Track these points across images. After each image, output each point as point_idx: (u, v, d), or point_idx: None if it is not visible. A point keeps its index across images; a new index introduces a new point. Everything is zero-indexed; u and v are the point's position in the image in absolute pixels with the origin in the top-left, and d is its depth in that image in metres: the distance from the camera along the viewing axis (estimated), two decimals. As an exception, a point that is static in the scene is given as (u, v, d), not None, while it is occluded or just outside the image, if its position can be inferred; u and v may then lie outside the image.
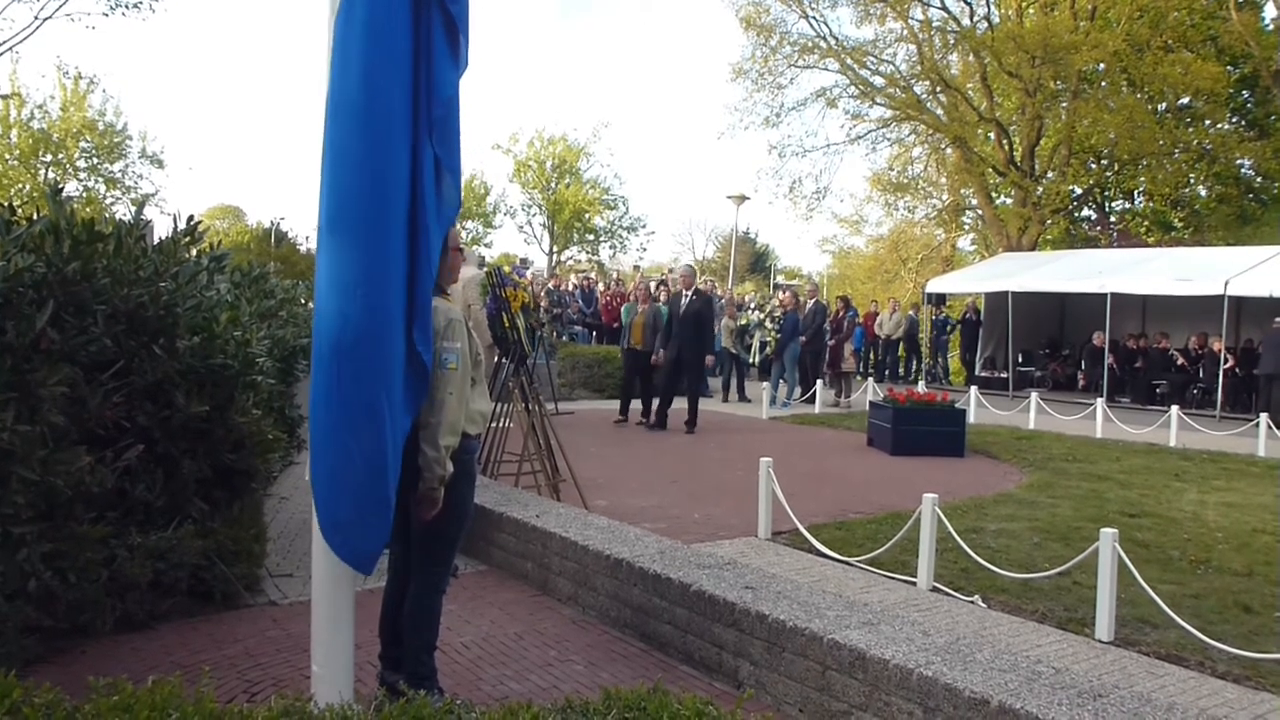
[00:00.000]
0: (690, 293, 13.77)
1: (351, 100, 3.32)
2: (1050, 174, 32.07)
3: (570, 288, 25.11)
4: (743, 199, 27.70)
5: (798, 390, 18.37)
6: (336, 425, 3.36)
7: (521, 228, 49.36)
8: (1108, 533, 5.54)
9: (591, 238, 49.40)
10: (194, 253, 6.06)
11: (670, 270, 40.45)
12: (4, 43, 26.21)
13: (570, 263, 47.97)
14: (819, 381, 18.27)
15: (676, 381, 14.03)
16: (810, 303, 19.67)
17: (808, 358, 19.09)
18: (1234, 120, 31.93)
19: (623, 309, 17.42)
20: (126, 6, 27.27)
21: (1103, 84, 30.92)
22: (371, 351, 3.33)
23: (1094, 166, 33.81)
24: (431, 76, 3.43)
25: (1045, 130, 31.97)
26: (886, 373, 24.93)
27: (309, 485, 3.54)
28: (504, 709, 2.69)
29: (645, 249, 50.71)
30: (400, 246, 3.40)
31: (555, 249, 48.50)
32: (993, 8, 32.70)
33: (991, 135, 32.72)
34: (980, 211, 35.13)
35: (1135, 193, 35.51)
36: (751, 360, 22.42)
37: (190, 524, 5.17)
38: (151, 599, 5.02)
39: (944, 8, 32.24)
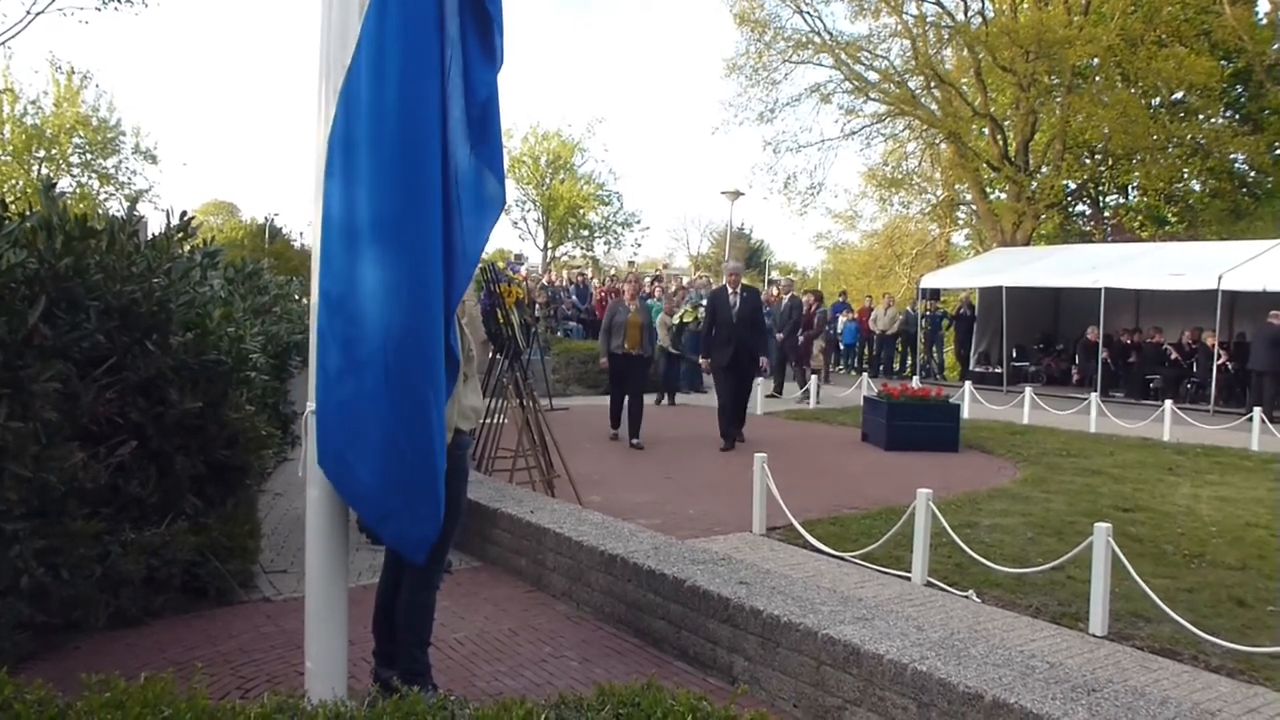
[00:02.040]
0: (739, 291, 12.22)
1: (389, 108, 3.31)
2: (1044, 169, 32.10)
3: (565, 283, 25.06)
4: (737, 194, 27.71)
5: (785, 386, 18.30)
6: (387, 424, 3.38)
7: (516, 223, 49.39)
8: (1101, 527, 5.55)
9: (586, 234, 49.43)
10: (187, 249, 6.04)
11: (665, 266, 40.22)
12: (-3, 38, 26.12)
13: (565, 258, 47.99)
14: (814, 376, 18.25)
15: (741, 390, 12.42)
16: (785, 299, 19.51)
17: (788, 354, 19.06)
18: (1227, 115, 31.97)
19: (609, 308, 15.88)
20: (119, 1, 27.16)
21: (1097, 79, 30.92)
22: (418, 351, 3.37)
23: (1088, 161, 33.84)
24: (469, 78, 3.44)
25: (1039, 125, 32.00)
26: (881, 368, 24.95)
27: (303, 481, 3.53)
28: (498, 705, 2.69)
29: (640, 245, 50.82)
30: (441, 251, 3.41)
31: (550, 245, 48.49)
32: (987, 3, 32.74)
33: (986, 130, 32.75)
34: (974, 207, 35.15)
35: (1129, 187, 35.57)
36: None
37: (184, 520, 5.16)
38: (145, 595, 5.01)
39: (938, 3, 32.26)
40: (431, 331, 3.38)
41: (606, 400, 13.02)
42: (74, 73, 37.26)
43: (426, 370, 3.39)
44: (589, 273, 30.68)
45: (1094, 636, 5.35)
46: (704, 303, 19.70)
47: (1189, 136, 30.30)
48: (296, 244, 50.16)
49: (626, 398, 12.45)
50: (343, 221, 3.37)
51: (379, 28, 3.32)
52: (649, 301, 18.90)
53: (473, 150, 3.50)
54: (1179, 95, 31.01)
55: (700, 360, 12.83)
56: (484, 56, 3.49)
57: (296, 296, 11.50)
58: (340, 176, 3.37)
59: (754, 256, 65.35)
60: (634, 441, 12.17)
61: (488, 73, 3.51)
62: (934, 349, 26.17)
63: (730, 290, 12.21)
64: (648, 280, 25.66)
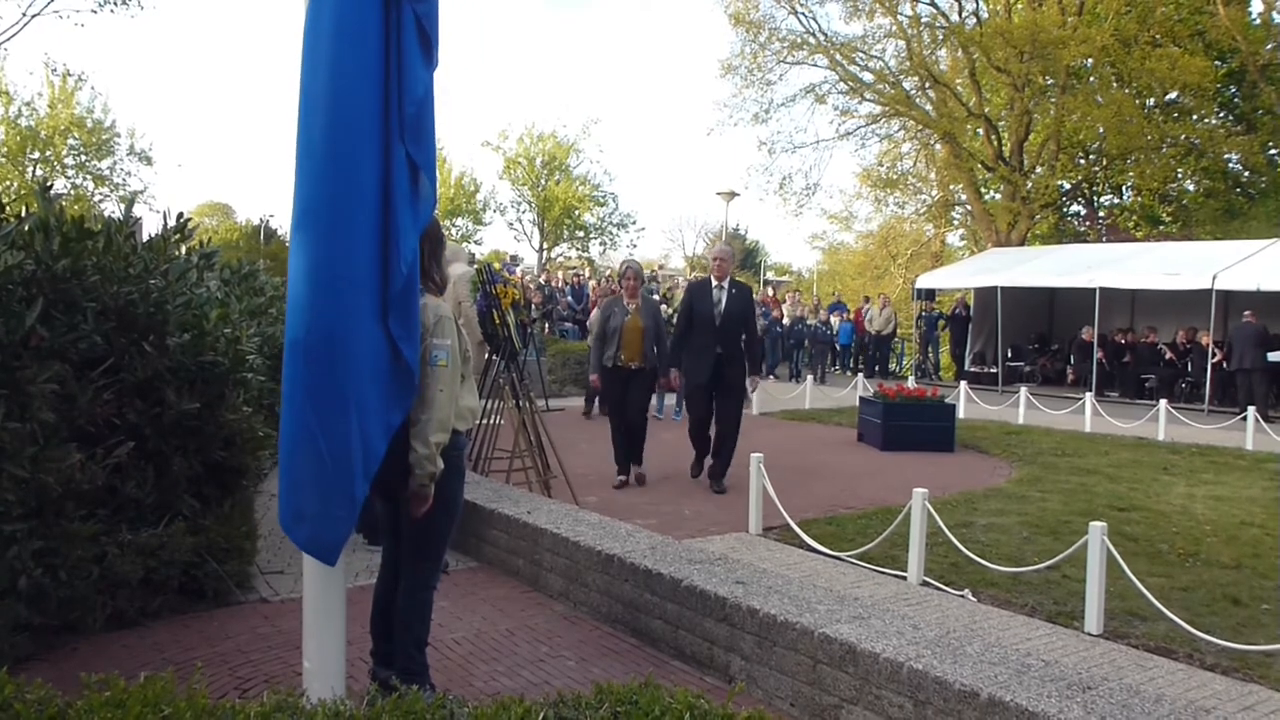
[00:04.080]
0: (726, 284, 9.25)
1: (319, 98, 3.35)
2: (1039, 169, 32.18)
3: (560, 284, 25.03)
4: (733, 195, 27.69)
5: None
6: (304, 419, 3.38)
7: (511, 225, 49.48)
8: (1097, 526, 5.57)
9: (581, 234, 49.44)
10: (184, 250, 6.04)
11: (661, 267, 40.08)
12: (-8, 39, 26.13)
13: (560, 259, 48.01)
14: (809, 376, 18.23)
15: (725, 417, 9.30)
16: None
17: None
18: (1221, 115, 32.08)
19: (597, 309, 13.60)
20: (115, 4, 27.12)
21: (1091, 79, 31.03)
22: (340, 347, 3.35)
23: (1082, 161, 33.94)
24: (403, 76, 3.44)
25: (1034, 125, 32.08)
26: (876, 368, 24.98)
27: None
28: (496, 703, 2.69)
29: (635, 245, 50.74)
30: (371, 244, 3.41)
31: (545, 246, 48.51)
32: (981, 3, 32.82)
33: (980, 131, 32.82)
34: (969, 207, 35.23)
35: (1123, 187, 35.67)
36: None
37: (181, 521, 5.16)
38: (142, 596, 5.01)
39: (933, 3, 32.34)
40: (356, 328, 3.36)
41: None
42: (69, 74, 37.22)
43: (347, 367, 3.36)
44: (585, 273, 30.66)
45: (1089, 635, 5.37)
46: (655, 297, 15.97)
47: (1183, 137, 30.40)
48: (291, 245, 50.04)
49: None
50: (291, 213, 3.42)
51: (315, 19, 3.36)
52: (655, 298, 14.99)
53: (407, 149, 3.49)
54: (1173, 95, 31.12)
55: (671, 375, 9.40)
56: (421, 55, 3.50)
57: (292, 298, 11.47)
58: (295, 169, 3.41)
59: (750, 257, 65.39)
60: (636, 471, 9.64)
61: (424, 69, 3.51)
62: (929, 349, 26.21)
63: (715, 282, 9.27)
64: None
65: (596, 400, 14.28)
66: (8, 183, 35.35)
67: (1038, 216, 32.48)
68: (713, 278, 9.35)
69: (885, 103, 33.16)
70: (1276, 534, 7.79)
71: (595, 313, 15.01)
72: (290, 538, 3.51)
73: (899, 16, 32.15)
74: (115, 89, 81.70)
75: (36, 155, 37.51)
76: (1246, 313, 17.37)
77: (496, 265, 11.28)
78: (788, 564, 6.66)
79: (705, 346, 9.08)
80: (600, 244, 50.15)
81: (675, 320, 9.28)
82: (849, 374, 24.27)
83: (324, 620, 3.57)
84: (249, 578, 5.76)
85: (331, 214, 3.35)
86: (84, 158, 38.86)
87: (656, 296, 17.91)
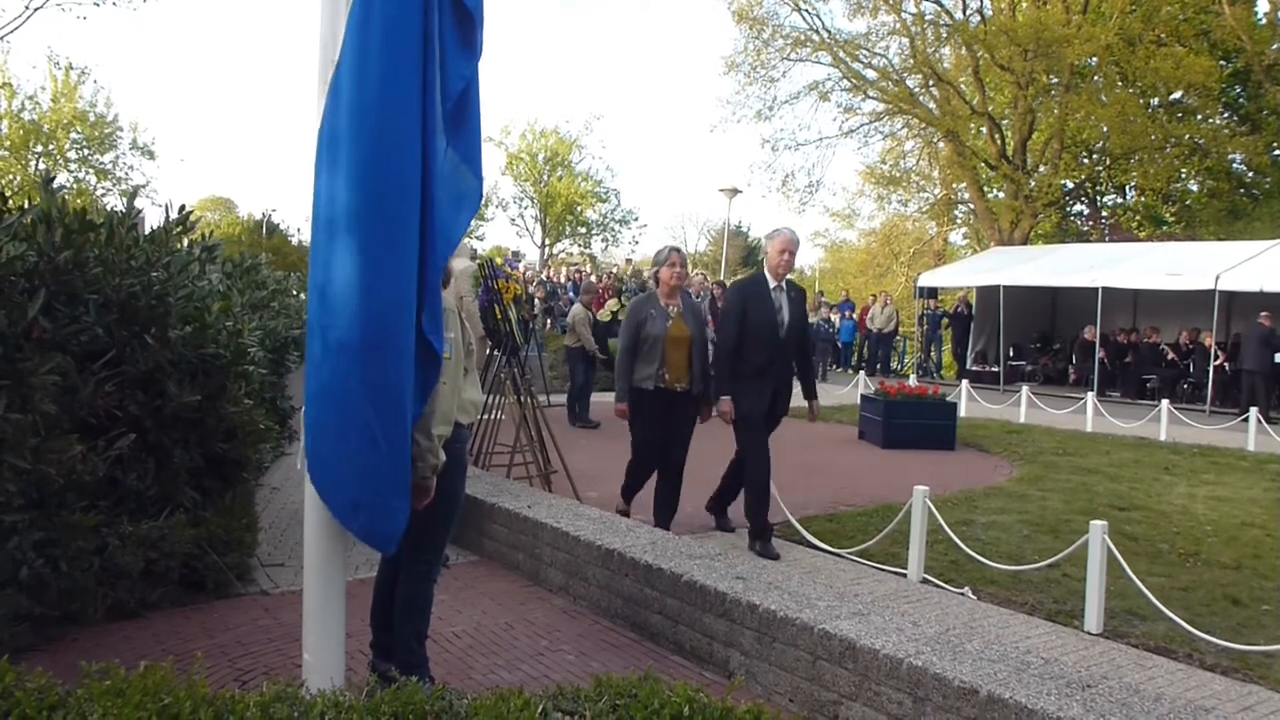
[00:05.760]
0: (784, 285, 7.03)
1: (371, 102, 3.33)
2: (1042, 168, 32.12)
3: (563, 280, 25.00)
4: (735, 192, 27.67)
5: None
6: (360, 412, 3.39)
7: (514, 220, 49.50)
8: (1097, 525, 5.57)
9: (584, 231, 49.44)
10: (186, 243, 6.05)
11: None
12: (-5, 32, 26.13)
13: (563, 255, 48.02)
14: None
15: (758, 449, 7.08)
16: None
17: None
18: (1226, 115, 32.05)
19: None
20: (117, -4, 27.13)
21: (1095, 78, 30.95)
22: (396, 343, 3.39)
23: (1086, 161, 33.90)
24: (445, 70, 3.44)
25: (1037, 124, 32.02)
26: (878, 366, 24.98)
27: (301, 476, 3.54)
28: (496, 695, 2.70)
29: (637, 242, 50.69)
30: (417, 242, 3.43)
31: (547, 242, 48.52)
32: (985, 1, 32.75)
33: (984, 129, 32.78)
34: (972, 205, 35.19)
35: (1127, 187, 35.64)
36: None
37: (182, 513, 5.17)
38: (143, 587, 5.02)
39: (937, 1, 32.26)
40: (403, 323, 3.40)
41: (608, 398, 9.63)
42: (71, 68, 37.28)
43: (397, 360, 3.40)
44: (587, 268, 30.65)
45: (1089, 634, 5.37)
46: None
47: (1187, 136, 30.35)
48: (294, 239, 50.11)
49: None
50: (327, 215, 3.40)
51: (363, 23, 3.33)
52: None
53: (449, 143, 3.49)
54: (1177, 95, 31.05)
55: (720, 405, 6.98)
56: (461, 48, 3.49)
57: (294, 292, 11.51)
58: (326, 170, 3.39)
59: (751, 254, 65.30)
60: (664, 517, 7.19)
61: (465, 65, 3.50)
62: (931, 348, 26.20)
63: (772, 281, 6.97)
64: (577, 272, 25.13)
65: (593, 407, 13.22)
66: (10, 176, 35.38)
67: (1040, 216, 32.44)
68: (769, 276, 6.98)
69: (889, 100, 33.14)
70: (1277, 535, 7.79)
71: (578, 309, 14.13)
72: (347, 529, 3.52)
73: (903, 14, 32.13)
74: (118, 83, 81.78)
75: (39, 149, 37.59)
76: (1263, 314, 17.28)
77: (499, 261, 11.25)
78: (788, 560, 6.66)
79: (763, 367, 6.94)
80: (602, 240, 50.20)
81: (719, 330, 7.45)
82: (850, 372, 24.26)
83: (324, 613, 3.57)
84: (249, 570, 5.77)
85: (379, 214, 3.34)
86: (86, 152, 38.96)
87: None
